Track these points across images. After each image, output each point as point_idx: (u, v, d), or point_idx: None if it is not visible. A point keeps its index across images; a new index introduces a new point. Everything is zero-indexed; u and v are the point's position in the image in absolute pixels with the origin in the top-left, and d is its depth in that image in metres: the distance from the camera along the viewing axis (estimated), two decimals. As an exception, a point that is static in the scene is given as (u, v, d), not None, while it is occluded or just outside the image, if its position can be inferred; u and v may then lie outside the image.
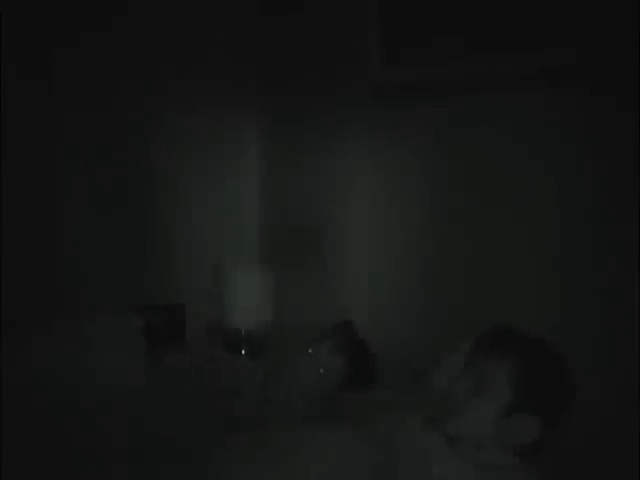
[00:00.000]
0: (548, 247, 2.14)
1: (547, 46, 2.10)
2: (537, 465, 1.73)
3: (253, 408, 2.15)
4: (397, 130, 2.54)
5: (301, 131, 2.87)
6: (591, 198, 2.05)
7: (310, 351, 2.17)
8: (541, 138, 2.15)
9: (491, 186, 2.28)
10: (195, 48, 2.84)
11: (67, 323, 2.42)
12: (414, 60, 2.46)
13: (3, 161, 2.51)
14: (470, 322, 2.01)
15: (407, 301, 2.51)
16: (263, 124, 3.02)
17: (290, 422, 1.99)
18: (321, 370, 2.15)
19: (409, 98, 2.49)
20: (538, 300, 2.14)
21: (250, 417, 2.12)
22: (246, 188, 3.05)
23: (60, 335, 2.35)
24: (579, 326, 2.04)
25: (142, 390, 2.23)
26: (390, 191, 2.57)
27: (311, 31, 2.80)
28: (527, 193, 2.19)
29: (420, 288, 2.48)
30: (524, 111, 2.18)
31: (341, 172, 2.72)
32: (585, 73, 2.04)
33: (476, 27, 2.28)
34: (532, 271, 2.17)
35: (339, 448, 1.82)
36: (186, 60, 2.82)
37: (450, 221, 2.39)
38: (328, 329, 2.23)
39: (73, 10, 2.60)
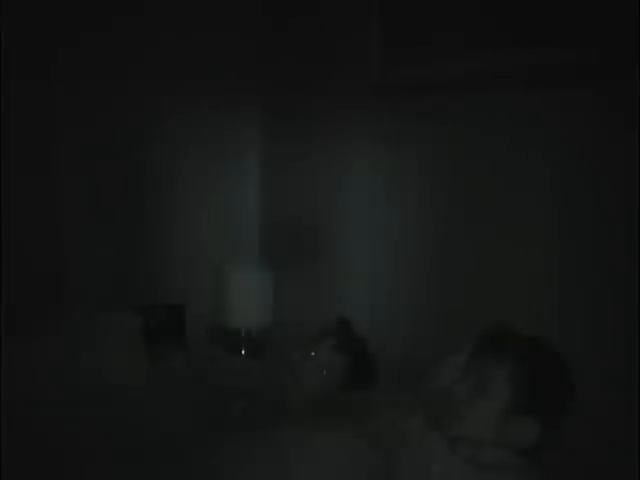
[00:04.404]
0: (548, 247, 2.14)
1: (547, 46, 2.10)
2: (537, 465, 1.73)
3: (253, 408, 2.15)
4: (397, 130, 2.54)
5: (301, 131, 2.87)
6: (591, 198, 2.05)
7: (313, 354, 2.17)
8: (541, 138, 2.15)
9: (491, 186, 2.28)
10: (195, 48, 2.84)
11: (67, 323, 2.43)
12: (414, 60, 2.46)
13: (3, 162, 2.51)
14: (470, 322, 2.02)
15: (407, 301, 2.51)
16: (263, 124, 3.02)
17: (289, 422, 1.99)
18: (324, 372, 2.15)
19: (409, 98, 2.48)
20: (538, 300, 2.14)
21: (250, 417, 2.12)
22: (246, 188, 3.05)
23: (60, 335, 2.35)
24: (579, 326, 2.04)
25: (142, 390, 2.23)
26: (390, 191, 2.57)
27: (311, 31, 2.80)
28: (527, 193, 2.19)
29: (420, 288, 2.48)
30: (524, 111, 2.18)
31: (341, 172, 2.72)
32: (585, 73, 2.04)
33: (476, 27, 2.28)
34: (532, 271, 2.17)
35: (339, 448, 1.82)
36: (186, 60, 2.82)
37: (450, 221, 2.39)
38: (327, 328, 2.23)
39: (73, 10, 2.60)
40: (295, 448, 1.83)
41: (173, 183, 2.88)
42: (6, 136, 2.51)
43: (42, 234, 2.63)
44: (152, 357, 2.43)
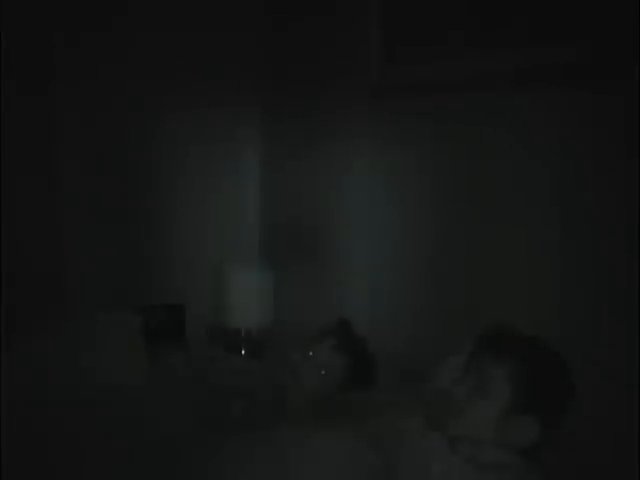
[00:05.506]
0: (548, 247, 2.14)
1: (547, 46, 2.10)
2: (537, 465, 1.73)
3: (253, 408, 2.15)
4: (397, 130, 2.54)
5: (301, 131, 2.87)
6: (591, 198, 2.05)
7: (311, 353, 2.17)
8: (541, 138, 2.15)
9: (491, 186, 2.28)
10: (195, 48, 2.84)
11: (67, 323, 2.43)
12: (414, 59, 2.46)
13: (4, 162, 2.51)
14: (470, 322, 2.02)
15: (407, 301, 2.51)
16: (263, 124, 3.02)
17: (289, 422, 1.99)
18: (322, 372, 2.15)
19: (409, 98, 2.48)
20: (538, 300, 2.14)
21: (250, 417, 2.12)
22: (246, 188, 3.05)
23: (60, 335, 2.35)
24: (579, 326, 2.04)
25: (142, 390, 2.23)
26: (390, 191, 2.57)
27: (311, 31, 2.80)
28: (527, 193, 2.19)
29: (420, 288, 2.48)
30: (524, 111, 2.18)
31: (341, 172, 2.72)
32: (585, 73, 2.04)
33: (476, 26, 2.28)
34: (532, 271, 2.17)
35: (339, 448, 1.82)
36: (186, 60, 2.82)
37: (450, 221, 2.39)
38: (327, 328, 2.24)
39: (73, 10, 2.60)
40: (295, 448, 1.83)
41: (173, 183, 2.88)
42: (6, 136, 2.51)
43: (42, 234, 2.63)
44: (152, 357, 2.43)
